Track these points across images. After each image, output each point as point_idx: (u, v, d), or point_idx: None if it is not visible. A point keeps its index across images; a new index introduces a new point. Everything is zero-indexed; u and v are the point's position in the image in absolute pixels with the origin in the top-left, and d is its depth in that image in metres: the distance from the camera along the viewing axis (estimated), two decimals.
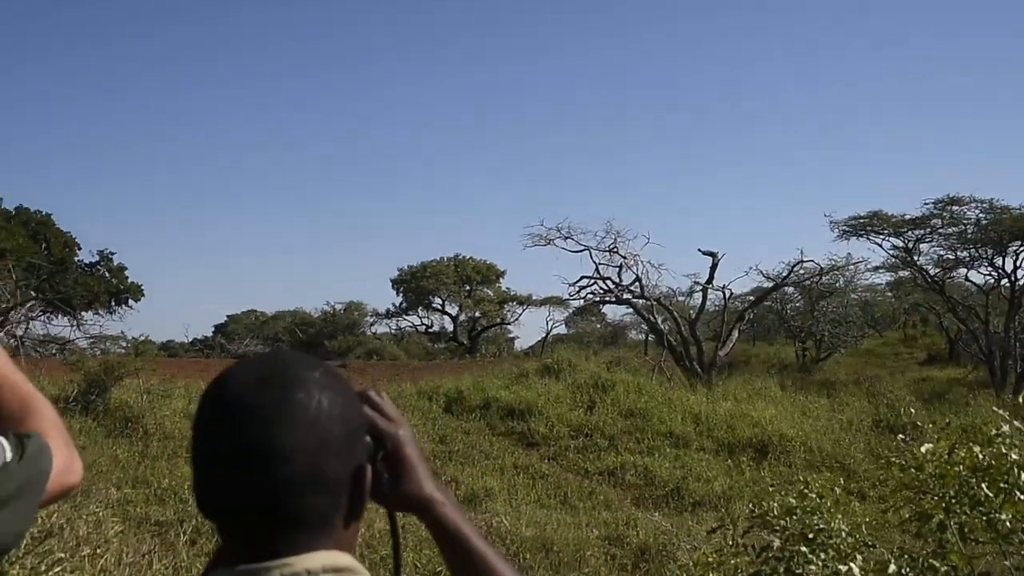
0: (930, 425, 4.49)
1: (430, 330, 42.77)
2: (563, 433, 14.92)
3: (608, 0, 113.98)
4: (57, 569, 5.04)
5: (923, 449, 3.71)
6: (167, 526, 8.40)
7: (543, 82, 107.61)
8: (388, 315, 42.91)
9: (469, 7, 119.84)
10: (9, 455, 1.41)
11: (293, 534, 1.15)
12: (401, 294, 42.65)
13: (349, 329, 39.38)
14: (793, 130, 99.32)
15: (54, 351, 21.92)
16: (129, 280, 31.51)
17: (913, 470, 3.68)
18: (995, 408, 5.15)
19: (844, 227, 26.31)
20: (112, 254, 31.48)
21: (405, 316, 42.51)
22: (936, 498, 3.59)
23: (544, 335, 41.69)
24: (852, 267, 27.72)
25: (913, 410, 16.20)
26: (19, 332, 19.14)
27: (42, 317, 22.40)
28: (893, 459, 3.87)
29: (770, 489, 12.23)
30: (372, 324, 41.98)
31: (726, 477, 12.99)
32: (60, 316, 24.38)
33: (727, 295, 26.32)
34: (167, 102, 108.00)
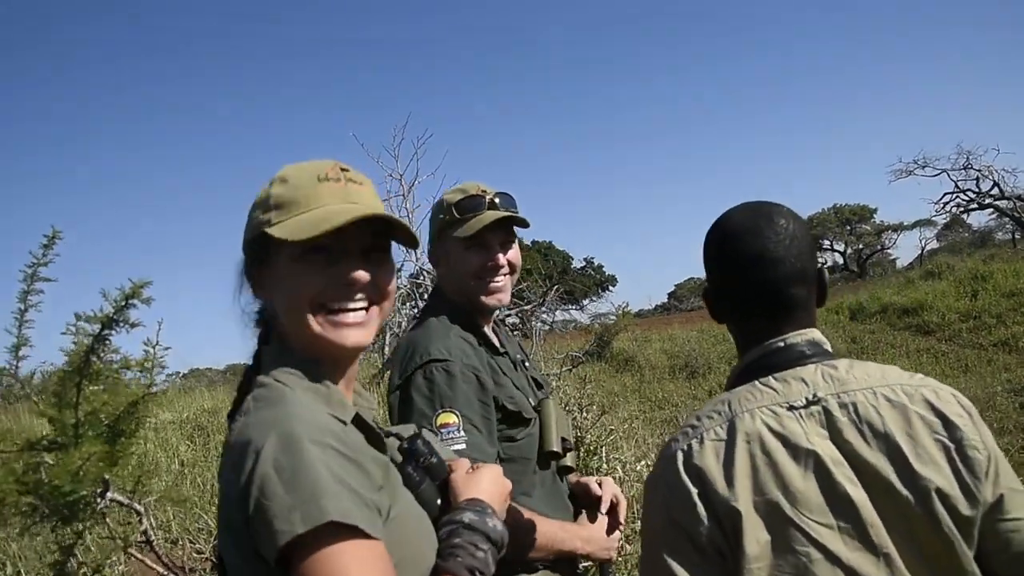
0: None
1: (824, 266, 39.93)
2: (953, 319, 13.17)
3: None
4: (612, 437, 5.68)
5: None
6: (662, 422, 8.91)
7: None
8: None
9: None
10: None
11: (789, 316, 1.22)
12: None
13: None
14: None
15: (568, 328, 23.94)
16: (607, 272, 33.33)
17: None
18: None
19: None
20: (592, 258, 33.48)
21: None
22: None
23: (919, 252, 37.13)
24: None
25: None
26: (546, 318, 21.15)
27: (559, 307, 24.57)
28: None
29: None
30: None
31: None
32: (568, 305, 26.60)
33: None
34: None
